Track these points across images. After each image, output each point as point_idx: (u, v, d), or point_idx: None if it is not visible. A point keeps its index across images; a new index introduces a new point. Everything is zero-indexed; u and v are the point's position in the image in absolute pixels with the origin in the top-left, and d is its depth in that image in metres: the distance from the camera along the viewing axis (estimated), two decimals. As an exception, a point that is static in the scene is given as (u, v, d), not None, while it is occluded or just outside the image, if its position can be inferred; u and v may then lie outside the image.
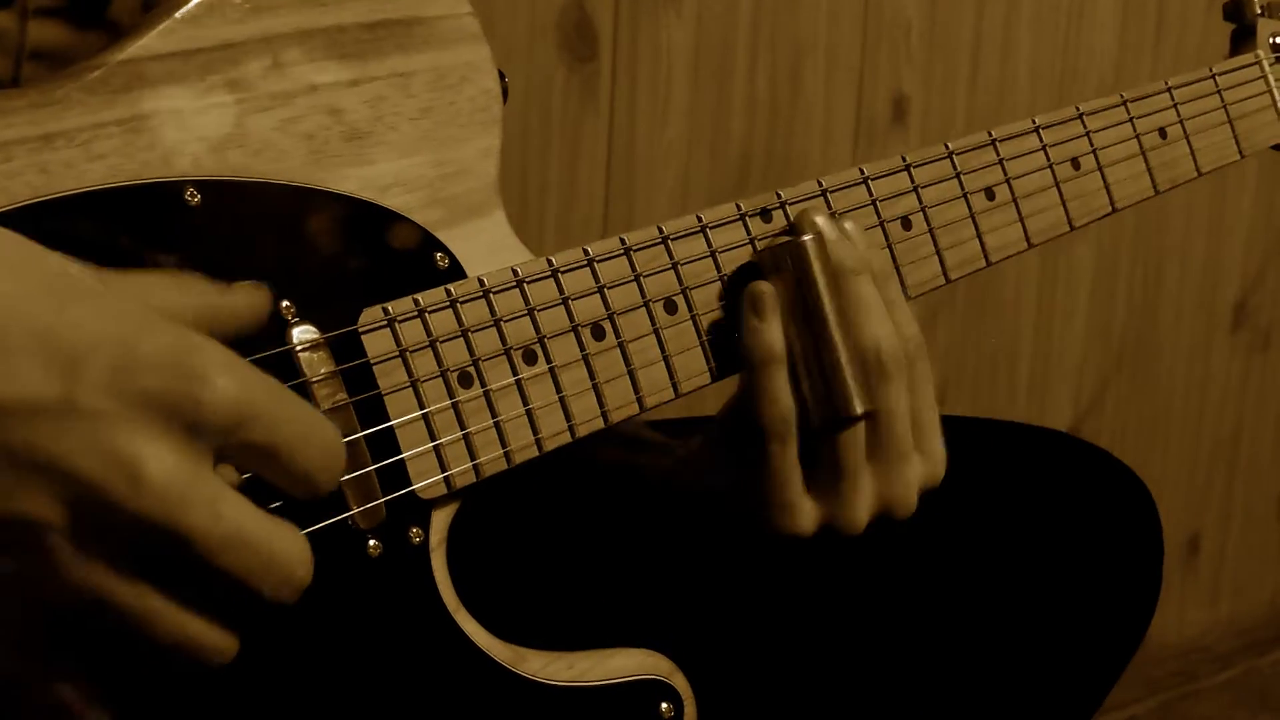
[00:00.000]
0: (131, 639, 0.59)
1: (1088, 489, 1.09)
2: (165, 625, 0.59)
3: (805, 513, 0.83)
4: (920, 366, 0.84)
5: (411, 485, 0.74)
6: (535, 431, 0.77)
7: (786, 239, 0.83)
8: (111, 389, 0.57)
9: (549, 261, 0.79)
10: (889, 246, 0.89)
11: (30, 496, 0.56)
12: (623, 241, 0.81)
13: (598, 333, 0.79)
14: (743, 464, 0.83)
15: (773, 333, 0.81)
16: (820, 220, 0.83)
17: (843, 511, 0.83)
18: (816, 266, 0.81)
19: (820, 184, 0.87)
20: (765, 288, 0.82)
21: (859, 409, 0.81)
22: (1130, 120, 1.01)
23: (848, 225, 0.85)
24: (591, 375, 0.79)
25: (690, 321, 0.83)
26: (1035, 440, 1.13)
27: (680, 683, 0.81)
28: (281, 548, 0.60)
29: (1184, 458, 2.46)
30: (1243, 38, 1.14)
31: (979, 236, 0.93)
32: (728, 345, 0.83)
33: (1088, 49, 2.14)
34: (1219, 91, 1.08)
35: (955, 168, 0.92)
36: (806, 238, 0.82)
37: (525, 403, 0.77)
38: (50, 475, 0.56)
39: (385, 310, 0.74)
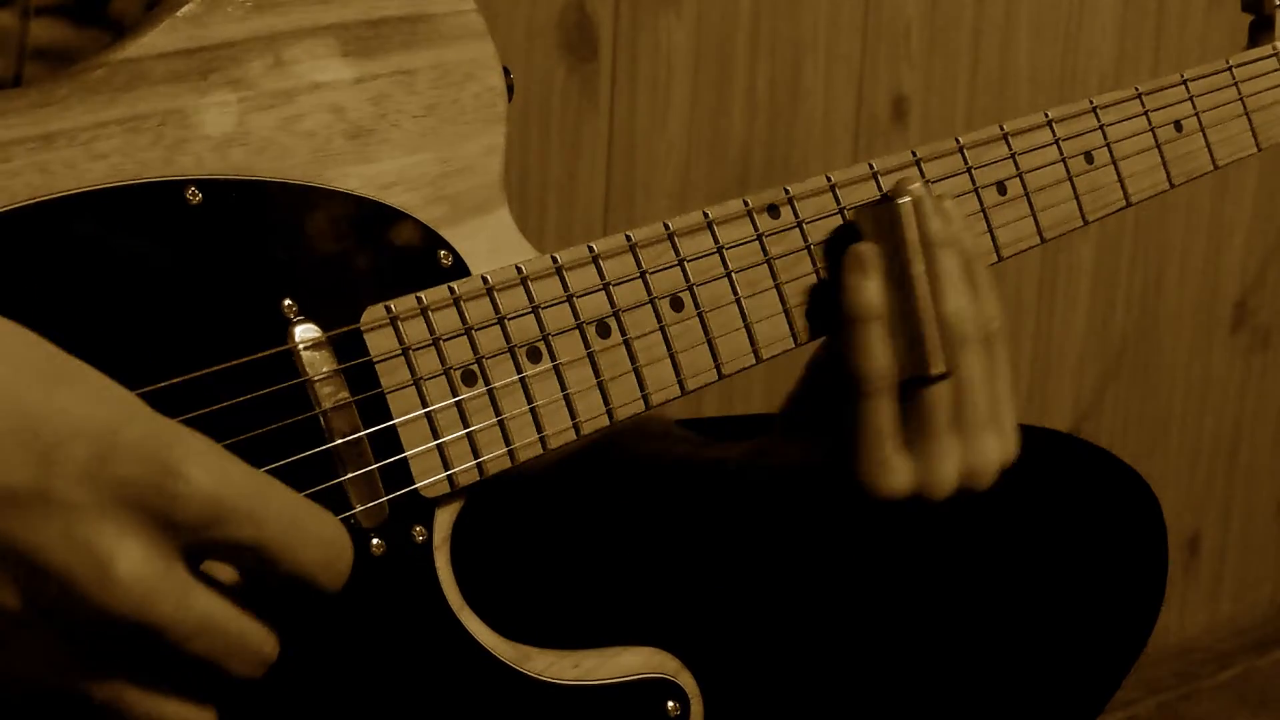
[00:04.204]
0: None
1: (1091, 490, 1.08)
2: (140, 712, 0.59)
3: (899, 470, 0.84)
4: (999, 349, 0.87)
5: (414, 484, 0.73)
6: (539, 429, 0.77)
7: (884, 202, 0.85)
8: (87, 479, 0.56)
9: (553, 259, 0.78)
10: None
11: None
12: (628, 238, 0.80)
13: (603, 330, 0.79)
14: (832, 429, 0.85)
15: (873, 290, 0.84)
16: (917, 188, 0.85)
17: (931, 473, 0.85)
18: (912, 231, 0.84)
19: (829, 179, 0.87)
20: (869, 248, 0.84)
21: (941, 367, 0.84)
22: (1145, 113, 1.01)
23: (945, 202, 0.87)
24: (596, 373, 0.79)
25: (697, 318, 0.82)
26: (1035, 440, 1.13)
27: (687, 681, 0.80)
28: (251, 628, 0.61)
29: (1184, 458, 2.46)
30: (1261, 29, 1.13)
31: (990, 231, 0.92)
32: (735, 339, 0.83)
33: (1088, 49, 2.14)
34: (1236, 84, 1.07)
35: (966, 162, 0.92)
36: (904, 200, 0.84)
37: (529, 401, 0.77)
38: (19, 565, 0.56)
39: (388, 308, 0.74)
